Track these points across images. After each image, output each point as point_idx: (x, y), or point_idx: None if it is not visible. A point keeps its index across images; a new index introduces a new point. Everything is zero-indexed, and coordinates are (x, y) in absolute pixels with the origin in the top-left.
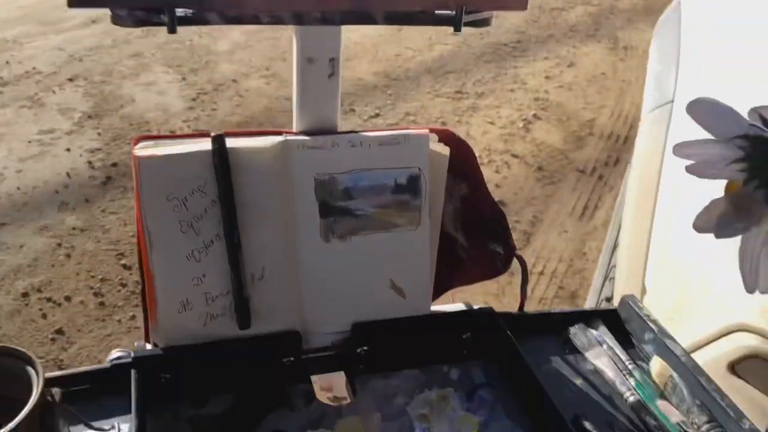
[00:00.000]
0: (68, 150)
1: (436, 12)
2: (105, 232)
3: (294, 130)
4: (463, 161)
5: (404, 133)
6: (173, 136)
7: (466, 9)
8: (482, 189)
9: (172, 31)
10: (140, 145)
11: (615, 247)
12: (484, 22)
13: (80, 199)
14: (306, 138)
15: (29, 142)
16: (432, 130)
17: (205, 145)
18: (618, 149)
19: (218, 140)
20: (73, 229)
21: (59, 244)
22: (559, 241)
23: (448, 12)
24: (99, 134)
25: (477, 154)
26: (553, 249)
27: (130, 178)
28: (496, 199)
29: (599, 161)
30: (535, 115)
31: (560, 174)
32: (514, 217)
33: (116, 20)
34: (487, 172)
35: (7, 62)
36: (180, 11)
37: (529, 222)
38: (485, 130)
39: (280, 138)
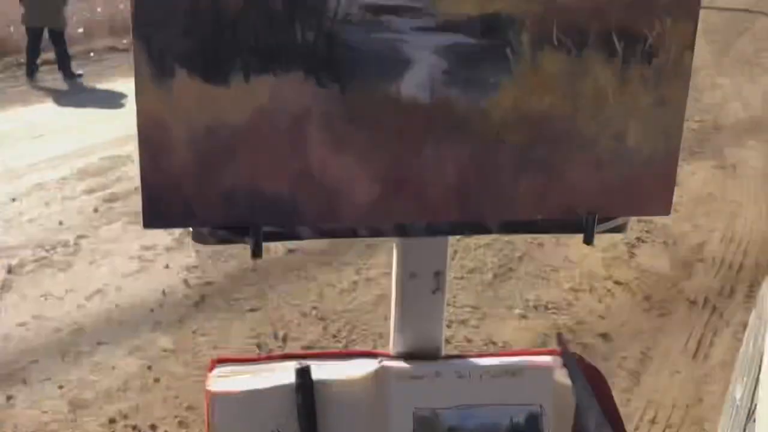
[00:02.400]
0: (167, 267)
1: (561, 221)
2: (194, 355)
3: (390, 352)
4: (594, 392)
5: (523, 361)
6: (253, 359)
7: (599, 216)
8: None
9: (256, 255)
10: (216, 372)
11: (756, 382)
12: (620, 229)
13: (173, 319)
14: (405, 365)
15: (131, 258)
16: (554, 352)
17: (288, 375)
18: (732, 278)
19: (303, 374)
20: (164, 350)
21: (149, 367)
22: (672, 383)
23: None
24: (197, 251)
25: (577, 281)
26: (665, 392)
27: (224, 297)
28: (599, 332)
29: (712, 291)
30: (639, 238)
31: (669, 305)
32: (621, 352)
33: (198, 238)
34: (588, 301)
35: (119, 178)
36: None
37: (638, 359)
38: (585, 253)
39: (374, 365)
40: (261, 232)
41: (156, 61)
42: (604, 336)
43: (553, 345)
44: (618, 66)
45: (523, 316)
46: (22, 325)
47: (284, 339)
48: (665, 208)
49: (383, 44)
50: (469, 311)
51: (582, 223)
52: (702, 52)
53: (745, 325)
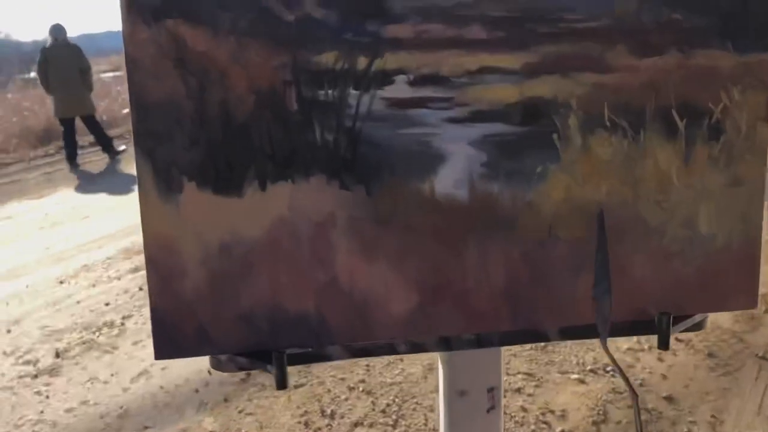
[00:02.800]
0: None
1: (632, 322)
2: None
3: None
4: None
5: None
6: None
7: (675, 315)
8: None
9: (281, 386)
10: None
11: None
12: (698, 327)
13: (219, 399)
14: None
15: None
16: None
17: None
18: None
19: None
20: None
21: None
22: None
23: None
24: None
25: (635, 340)
26: None
27: (268, 374)
28: (663, 394)
29: None
30: None
31: (736, 361)
32: (688, 417)
33: (216, 365)
34: (649, 360)
35: None
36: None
37: (708, 424)
38: None
39: None
40: (285, 360)
41: (161, 176)
42: (669, 399)
43: (616, 412)
44: (681, 145)
45: (581, 381)
46: (69, 411)
47: (332, 416)
48: (750, 300)
49: (412, 139)
50: (523, 378)
51: (654, 324)
52: None
53: None
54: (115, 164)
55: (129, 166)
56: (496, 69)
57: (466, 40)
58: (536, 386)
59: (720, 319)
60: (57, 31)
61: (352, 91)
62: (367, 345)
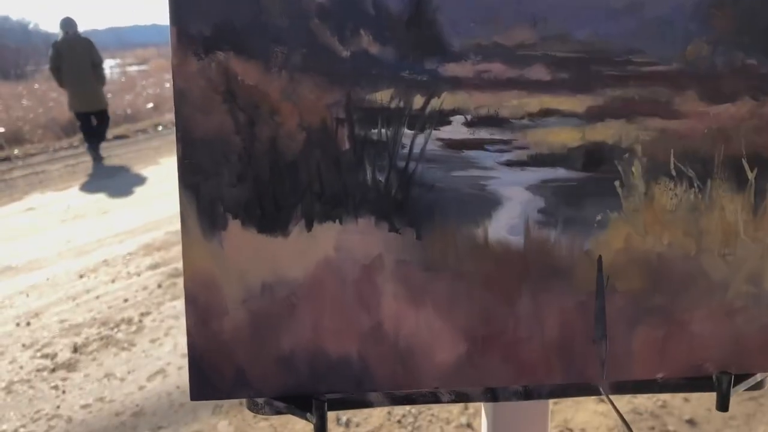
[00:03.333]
0: None
1: (687, 379)
2: None
3: None
4: None
5: None
6: None
7: (737, 373)
8: None
9: None
10: None
11: None
12: (759, 386)
13: (234, 402)
14: None
15: None
16: None
17: None
18: None
19: None
20: None
21: None
22: None
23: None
24: None
25: None
26: None
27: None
28: (685, 418)
29: None
30: None
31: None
32: None
33: (253, 408)
34: None
35: None
36: (334, 395)
37: None
38: None
39: None
40: (325, 408)
41: (206, 212)
42: (691, 422)
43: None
44: (750, 197)
45: (601, 400)
46: (84, 407)
47: (347, 424)
48: None
49: (467, 182)
50: None
51: (713, 382)
52: None
53: None
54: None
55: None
56: (558, 112)
57: (527, 81)
58: (555, 403)
59: None
60: (68, 24)
61: (407, 131)
62: (410, 393)
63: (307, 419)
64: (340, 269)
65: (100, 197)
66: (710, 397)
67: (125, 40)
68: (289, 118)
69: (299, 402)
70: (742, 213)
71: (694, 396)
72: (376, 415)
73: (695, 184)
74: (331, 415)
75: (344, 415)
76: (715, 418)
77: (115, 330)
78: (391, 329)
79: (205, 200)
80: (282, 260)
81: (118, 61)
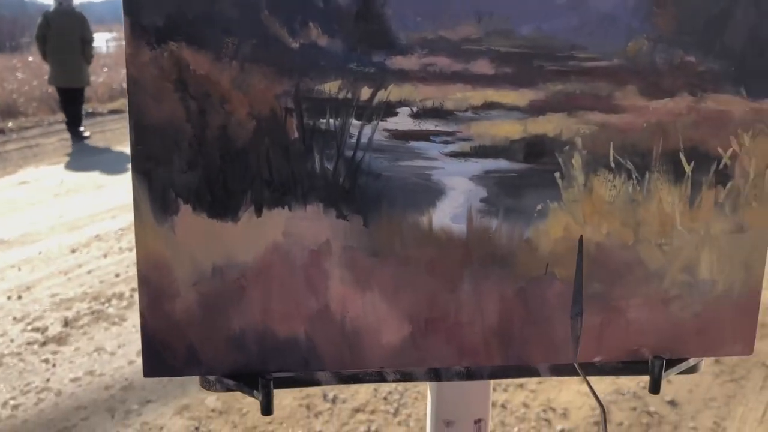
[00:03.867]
0: None
1: (623, 363)
2: (242, 416)
3: None
4: None
5: None
6: None
7: (669, 359)
8: None
9: (266, 412)
10: None
11: None
12: (692, 370)
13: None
14: None
15: None
16: None
17: None
18: None
19: None
20: (212, 411)
21: (197, 428)
22: None
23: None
24: None
25: None
26: None
27: None
28: (667, 399)
29: None
30: None
31: (742, 369)
32: (690, 422)
33: (205, 385)
34: None
35: None
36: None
37: (709, 430)
38: None
39: None
40: (271, 386)
41: (158, 198)
42: (673, 403)
43: (618, 413)
44: (687, 189)
45: (584, 381)
46: (74, 380)
47: (334, 401)
48: (747, 348)
49: (412, 172)
50: None
51: (648, 366)
52: None
53: None
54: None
55: None
56: (500, 105)
57: (471, 75)
58: (539, 383)
59: None
60: None
61: (354, 121)
62: (356, 372)
63: (254, 396)
64: (288, 254)
65: (94, 174)
66: (692, 379)
67: (100, 15)
68: (239, 107)
69: (249, 380)
70: (678, 204)
71: (677, 378)
72: (363, 391)
73: (634, 177)
74: (317, 392)
75: (331, 391)
76: (695, 399)
77: (106, 305)
78: (338, 312)
79: (157, 186)
80: (232, 244)
81: (114, 34)
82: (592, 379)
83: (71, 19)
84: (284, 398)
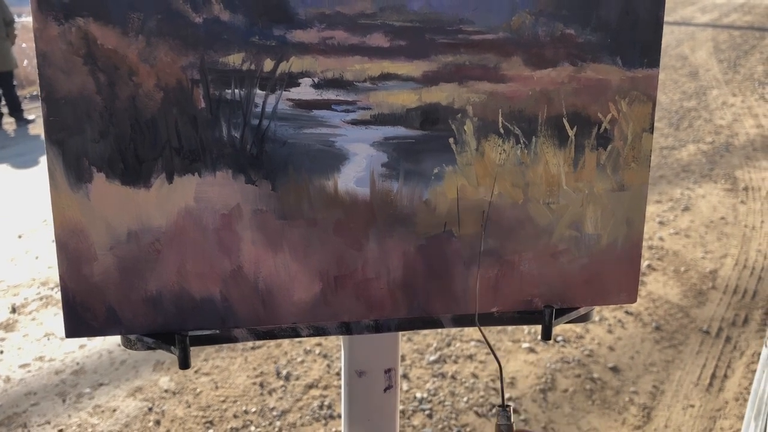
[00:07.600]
0: None
1: (519, 313)
2: (196, 396)
3: None
4: None
5: None
6: None
7: (558, 308)
8: None
9: (183, 365)
10: None
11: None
12: (583, 319)
13: (175, 358)
14: None
15: None
16: None
17: None
18: (746, 306)
19: None
20: (165, 391)
21: (150, 409)
22: (686, 418)
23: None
24: None
25: None
26: (678, 428)
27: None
28: (609, 365)
29: (725, 320)
30: (649, 266)
31: (681, 335)
32: (631, 387)
33: (126, 344)
34: (599, 332)
35: None
36: (199, 332)
37: (649, 393)
38: None
39: None
40: (187, 342)
41: (72, 166)
42: (615, 369)
43: (563, 381)
44: (571, 152)
45: (531, 350)
46: (23, 366)
47: (287, 377)
48: (630, 296)
49: (316, 139)
50: (475, 345)
51: (541, 315)
52: (713, 71)
53: (759, 356)
54: (23, 130)
55: None
56: (396, 76)
57: (368, 48)
58: (488, 353)
59: (668, 294)
60: None
61: (259, 91)
62: (271, 328)
63: (171, 352)
64: (200, 218)
65: (41, 158)
66: (633, 346)
67: None
68: (147, 79)
69: (167, 338)
70: (563, 166)
71: (619, 345)
72: (316, 368)
73: (521, 141)
74: (270, 369)
75: (284, 369)
76: (636, 365)
77: (55, 290)
78: (251, 272)
79: (71, 155)
80: (145, 210)
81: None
82: (539, 352)
83: None
84: (238, 377)
